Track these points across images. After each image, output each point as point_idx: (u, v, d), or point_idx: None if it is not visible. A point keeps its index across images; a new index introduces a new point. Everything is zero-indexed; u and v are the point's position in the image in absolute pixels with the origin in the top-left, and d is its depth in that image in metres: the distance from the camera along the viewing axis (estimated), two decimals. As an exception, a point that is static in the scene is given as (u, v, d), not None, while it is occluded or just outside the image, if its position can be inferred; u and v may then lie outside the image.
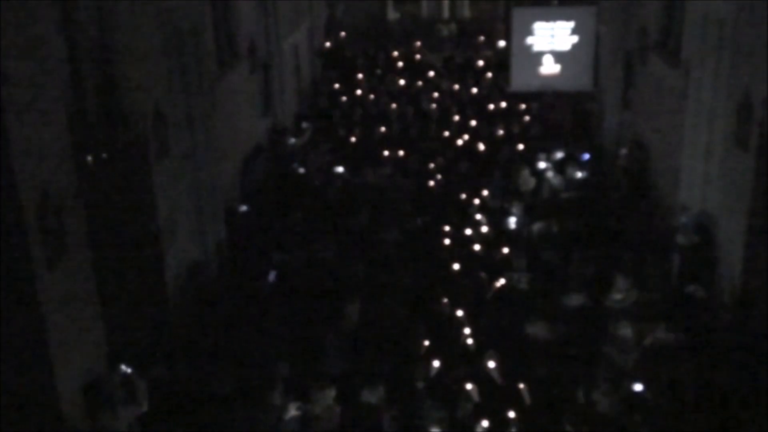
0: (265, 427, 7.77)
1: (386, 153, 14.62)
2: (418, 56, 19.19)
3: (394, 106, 16.69)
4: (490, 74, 17.94)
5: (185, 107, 10.26)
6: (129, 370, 7.55)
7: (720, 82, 10.10)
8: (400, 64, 18.83)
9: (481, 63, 18.68)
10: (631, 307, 9.50)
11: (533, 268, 10.62)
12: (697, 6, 10.66)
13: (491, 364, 8.29)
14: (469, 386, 7.97)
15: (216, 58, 12.10)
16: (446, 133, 15.61)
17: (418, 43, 19.44)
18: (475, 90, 17.47)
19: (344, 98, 17.50)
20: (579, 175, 13.86)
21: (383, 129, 15.68)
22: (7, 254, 6.22)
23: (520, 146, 14.91)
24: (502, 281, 10.13)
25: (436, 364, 8.34)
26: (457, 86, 17.64)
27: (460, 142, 15.26)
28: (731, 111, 9.79)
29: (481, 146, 15.03)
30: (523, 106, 16.58)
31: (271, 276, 10.41)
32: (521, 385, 8.03)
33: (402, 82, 17.90)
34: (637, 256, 10.52)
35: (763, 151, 8.92)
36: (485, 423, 7.59)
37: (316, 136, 16.06)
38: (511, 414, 7.64)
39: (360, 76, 18.30)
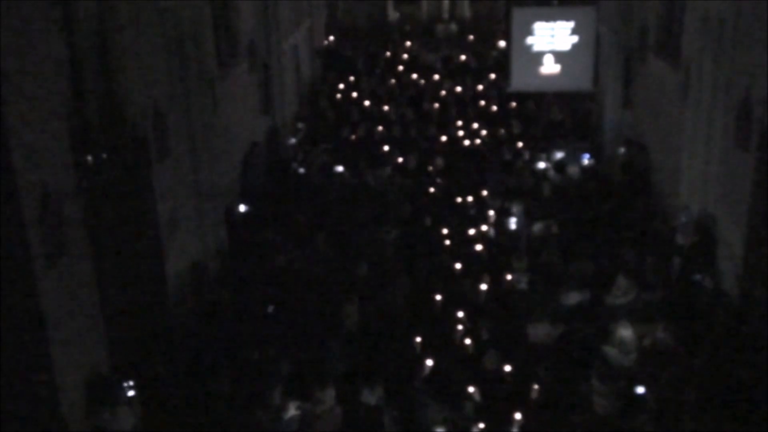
0: (265, 427, 7.77)
1: (386, 153, 14.62)
2: (417, 56, 19.20)
3: (393, 106, 16.70)
4: (489, 74, 17.95)
5: (185, 107, 10.27)
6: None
7: (720, 82, 10.10)
8: (400, 64, 18.84)
9: (480, 63, 18.68)
10: (631, 307, 9.50)
11: (533, 268, 10.62)
12: (697, 6, 10.67)
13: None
14: (471, 389, 7.96)
15: (216, 58, 12.10)
16: (445, 133, 15.61)
17: (417, 44, 19.46)
18: (474, 90, 17.47)
19: (344, 98, 17.51)
20: (578, 174, 13.88)
21: (383, 129, 15.69)
22: (7, 253, 6.22)
23: (520, 145, 14.94)
24: (484, 286, 10.08)
25: (429, 363, 8.32)
26: (456, 86, 17.64)
27: (459, 142, 15.26)
28: (731, 111, 9.79)
29: (481, 146, 15.04)
30: (523, 106, 16.60)
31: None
32: (536, 386, 8.01)
33: (401, 82, 17.91)
34: (637, 256, 10.52)
35: (763, 151, 8.91)
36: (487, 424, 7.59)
37: (315, 136, 16.07)
38: (516, 416, 7.62)
39: (360, 76, 18.31)
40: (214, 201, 11.11)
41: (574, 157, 14.49)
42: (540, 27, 15.93)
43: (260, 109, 15.11)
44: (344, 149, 15.22)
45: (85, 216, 7.38)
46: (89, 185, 7.57)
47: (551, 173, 13.95)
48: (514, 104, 16.76)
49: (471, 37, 20.00)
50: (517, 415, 7.60)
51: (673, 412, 7.76)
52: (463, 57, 19.11)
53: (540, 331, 9.16)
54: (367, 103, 17.06)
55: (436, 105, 16.86)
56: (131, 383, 7.60)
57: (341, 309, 9.50)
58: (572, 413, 7.89)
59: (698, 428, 7.57)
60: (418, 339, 8.83)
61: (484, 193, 12.99)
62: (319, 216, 12.34)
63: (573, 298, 9.83)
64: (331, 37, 20.53)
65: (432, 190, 13.32)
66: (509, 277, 10.32)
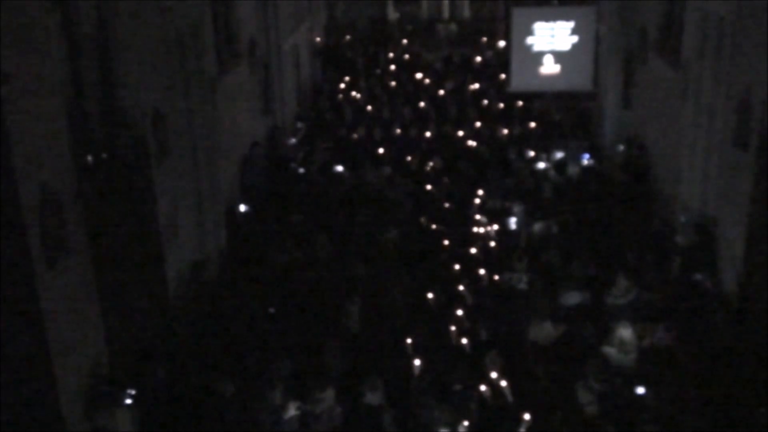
0: (265, 427, 7.77)
1: (386, 153, 14.62)
2: (417, 56, 19.23)
3: (393, 106, 16.69)
4: (489, 74, 17.96)
5: (185, 107, 10.26)
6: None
7: (720, 82, 10.10)
8: (400, 64, 18.86)
9: (480, 63, 18.69)
10: (631, 307, 9.50)
11: (533, 268, 10.61)
12: (697, 6, 10.67)
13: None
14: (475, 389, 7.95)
15: (216, 58, 12.10)
16: (445, 133, 15.61)
17: (417, 44, 19.50)
18: (474, 89, 17.47)
19: (344, 98, 17.51)
20: (578, 174, 13.88)
21: (383, 129, 15.68)
22: (7, 254, 6.21)
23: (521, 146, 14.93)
24: (461, 287, 10.03)
25: (417, 362, 8.30)
26: (456, 86, 17.64)
27: (459, 141, 15.26)
28: (731, 111, 9.79)
29: (481, 146, 15.04)
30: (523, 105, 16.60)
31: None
32: (503, 383, 8.00)
33: (401, 82, 17.92)
34: (637, 256, 10.52)
35: (763, 151, 8.92)
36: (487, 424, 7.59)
37: (315, 136, 16.07)
38: (525, 416, 7.60)
39: (359, 76, 18.31)
40: (214, 201, 11.11)
41: (574, 157, 14.49)
42: (540, 27, 15.98)
43: (260, 109, 15.12)
44: (344, 149, 15.22)
45: (85, 216, 7.37)
46: (89, 185, 7.56)
47: (551, 173, 13.94)
48: (513, 104, 16.74)
49: (481, 38, 19.98)
50: (526, 416, 7.56)
51: (673, 412, 7.76)
52: (463, 56, 19.12)
53: (540, 332, 9.14)
54: (366, 102, 17.05)
55: (436, 105, 16.85)
56: (130, 384, 7.59)
57: (341, 309, 9.51)
58: (572, 413, 7.89)
59: (698, 428, 7.57)
60: (417, 339, 8.81)
61: (480, 192, 12.96)
62: (319, 216, 12.34)
63: (573, 298, 9.83)
64: (331, 37, 20.54)
65: (432, 189, 13.31)
66: (496, 277, 10.30)
